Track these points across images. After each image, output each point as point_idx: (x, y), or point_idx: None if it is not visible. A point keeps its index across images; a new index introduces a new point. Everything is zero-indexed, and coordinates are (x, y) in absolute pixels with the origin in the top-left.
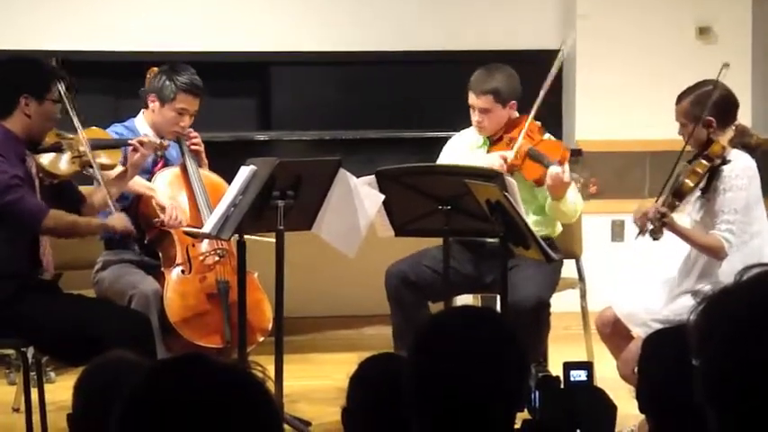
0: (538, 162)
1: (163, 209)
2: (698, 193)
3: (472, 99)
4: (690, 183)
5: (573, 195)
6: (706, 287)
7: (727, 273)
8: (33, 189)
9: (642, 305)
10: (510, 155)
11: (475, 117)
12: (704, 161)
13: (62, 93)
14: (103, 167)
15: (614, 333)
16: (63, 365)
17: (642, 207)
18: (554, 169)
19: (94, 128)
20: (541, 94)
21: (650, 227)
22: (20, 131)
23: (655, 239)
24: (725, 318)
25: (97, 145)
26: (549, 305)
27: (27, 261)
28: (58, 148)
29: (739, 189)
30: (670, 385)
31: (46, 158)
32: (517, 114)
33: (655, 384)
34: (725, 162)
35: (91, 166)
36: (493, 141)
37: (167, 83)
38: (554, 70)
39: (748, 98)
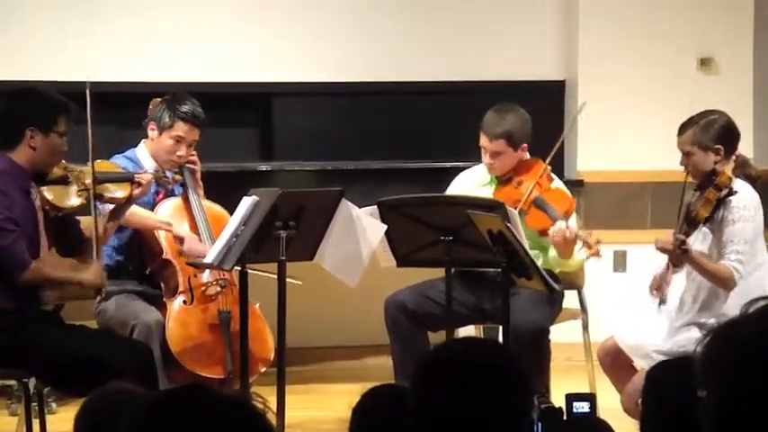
0: (543, 212)
1: (182, 240)
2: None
3: (484, 141)
4: (704, 212)
5: (577, 252)
6: (710, 320)
7: (730, 304)
8: (36, 224)
9: (644, 337)
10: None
11: (486, 158)
12: (714, 190)
13: (89, 124)
14: (114, 201)
15: (615, 364)
16: (65, 396)
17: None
18: (559, 225)
19: (103, 161)
20: (559, 142)
21: (672, 257)
22: (25, 163)
23: (675, 266)
24: (732, 349)
25: (105, 178)
26: (548, 332)
27: (25, 293)
28: (64, 181)
29: (747, 220)
30: (674, 417)
31: (51, 191)
32: (528, 156)
33: (658, 416)
34: (731, 192)
35: (98, 200)
36: (501, 181)
37: (167, 111)
38: (570, 122)
39: (750, 129)
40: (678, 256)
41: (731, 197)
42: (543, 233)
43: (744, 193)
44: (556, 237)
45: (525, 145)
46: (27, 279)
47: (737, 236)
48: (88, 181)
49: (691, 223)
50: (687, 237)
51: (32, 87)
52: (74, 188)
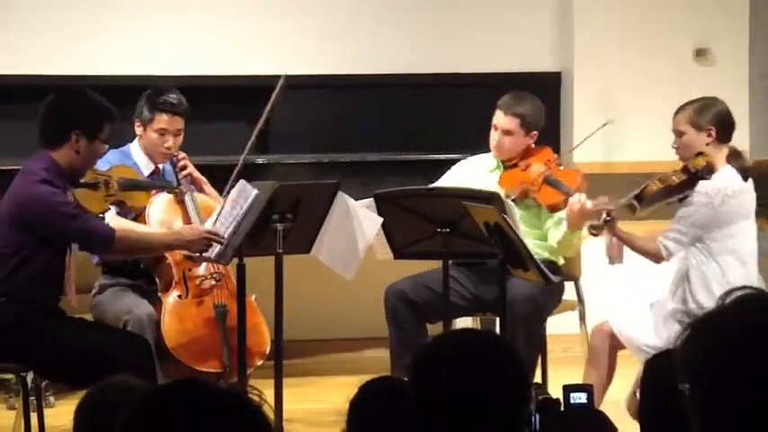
0: (555, 188)
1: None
2: (677, 201)
3: (498, 118)
4: (653, 186)
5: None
6: (679, 306)
7: (696, 291)
8: None
9: (639, 332)
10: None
11: (495, 137)
12: (681, 173)
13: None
14: (133, 209)
15: (601, 346)
16: (63, 390)
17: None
18: (577, 198)
19: (125, 166)
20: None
21: (593, 222)
22: (65, 165)
23: (593, 235)
24: (712, 343)
25: (131, 185)
26: (546, 313)
27: (51, 288)
28: (94, 185)
29: (702, 205)
30: (672, 407)
31: (82, 195)
32: (534, 146)
33: (657, 407)
34: (703, 177)
35: (121, 205)
36: (507, 167)
37: (147, 105)
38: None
39: (746, 119)
40: (599, 226)
41: (701, 181)
42: (554, 209)
43: (717, 182)
44: (574, 206)
45: (535, 133)
46: (119, 248)
47: (686, 217)
48: (115, 187)
49: (638, 196)
50: (632, 210)
51: (82, 90)
52: (102, 193)
